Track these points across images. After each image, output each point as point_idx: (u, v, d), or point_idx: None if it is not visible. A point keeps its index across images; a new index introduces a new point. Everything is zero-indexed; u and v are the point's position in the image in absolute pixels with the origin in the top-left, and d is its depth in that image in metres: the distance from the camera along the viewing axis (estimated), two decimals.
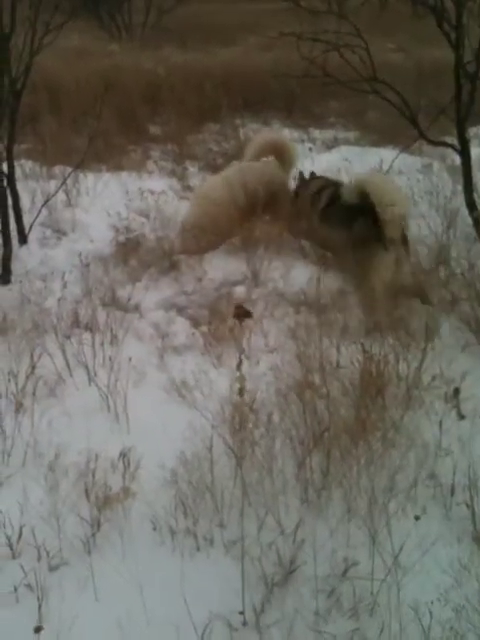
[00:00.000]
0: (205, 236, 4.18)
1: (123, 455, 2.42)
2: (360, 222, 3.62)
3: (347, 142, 6.98)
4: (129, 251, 4.28)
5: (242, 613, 1.94)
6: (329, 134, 7.37)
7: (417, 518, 2.13)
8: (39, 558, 2.16)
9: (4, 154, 4.19)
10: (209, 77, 8.21)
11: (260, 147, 4.71)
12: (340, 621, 1.98)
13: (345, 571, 2.09)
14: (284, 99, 8.00)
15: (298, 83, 6.89)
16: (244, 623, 1.94)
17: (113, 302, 3.72)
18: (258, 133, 4.72)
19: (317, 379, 2.75)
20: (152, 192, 5.19)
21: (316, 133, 7.41)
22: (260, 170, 4.54)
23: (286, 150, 4.70)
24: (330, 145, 6.91)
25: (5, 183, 4.15)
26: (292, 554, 2.12)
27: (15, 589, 2.05)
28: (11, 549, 2.18)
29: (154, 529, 2.26)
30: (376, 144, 6.72)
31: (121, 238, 4.49)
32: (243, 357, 1.99)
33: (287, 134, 7.37)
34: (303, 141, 7.09)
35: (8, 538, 2.18)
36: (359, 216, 3.63)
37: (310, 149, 6.64)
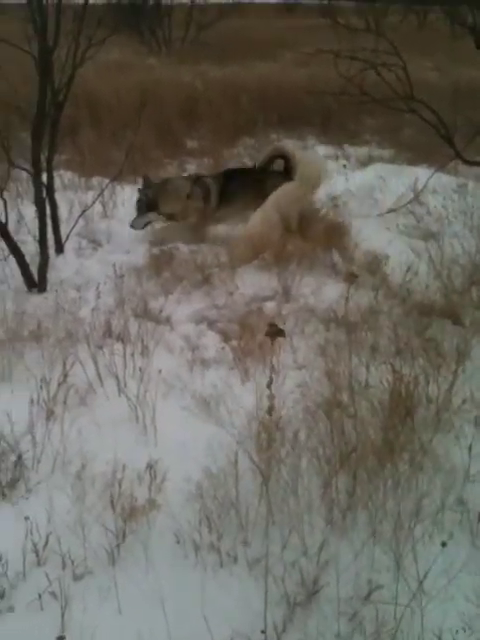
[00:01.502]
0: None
1: (150, 467, 2.43)
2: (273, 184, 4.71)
3: (382, 160, 6.97)
4: (162, 263, 4.33)
5: (264, 632, 1.93)
6: (364, 151, 7.37)
7: (444, 544, 2.10)
8: (64, 566, 2.17)
9: (44, 164, 4.26)
10: (245, 92, 8.29)
11: (269, 155, 4.84)
12: None
13: (368, 594, 2.07)
14: (320, 115, 8.04)
15: (334, 100, 6.92)
16: None
17: (145, 313, 3.75)
18: (268, 144, 4.90)
19: (345, 398, 2.74)
20: None
21: (351, 150, 7.42)
22: (293, 196, 4.64)
23: (293, 159, 4.79)
24: (364, 162, 6.91)
25: (44, 193, 4.23)
26: (315, 575, 2.11)
27: (39, 596, 2.06)
28: (37, 556, 2.19)
29: (178, 543, 2.26)
30: (411, 162, 6.71)
31: (155, 250, 4.54)
32: (272, 375, 1.98)
33: (321, 150, 7.42)
34: (337, 157, 7.10)
35: (34, 545, 2.19)
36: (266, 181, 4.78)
37: (344, 166, 6.64)
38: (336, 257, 4.33)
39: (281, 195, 4.60)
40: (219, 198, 4.91)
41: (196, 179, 4.99)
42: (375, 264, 4.22)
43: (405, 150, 7.26)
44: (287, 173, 4.84)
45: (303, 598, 2.07)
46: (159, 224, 4.94)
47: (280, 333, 2.08)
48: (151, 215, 4.87)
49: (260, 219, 4.49)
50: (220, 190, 4.92)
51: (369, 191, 5.75)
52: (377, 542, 2.23)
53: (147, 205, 4.85)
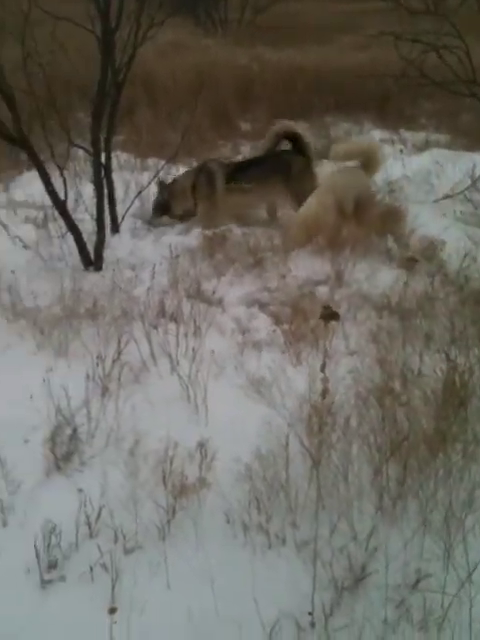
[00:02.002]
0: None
1: (200, 446, 2.45)
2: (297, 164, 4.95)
3: (438, 145, 6.84)
4: (215, 245, 4.35)
5: (311, 614, 1.94)
6: (420, 136, 7.23)
7: None
8: (115, 540, 2.21)
9: (103, 145, 4.31)
10: (302, 75, 8.20)
11: (344, 154, 4.76)
12: (409, 632, 1.95)
13: (416, 582, 2.06)
14: (376, 99, 7.90)
15: (393, 83, 6.79)
16: (312, 624, 1.94)
17: (198, 294, 3.77)
18: (338, 142, 4.91)
19: (397, 386, 2.71)
20: None
21: (407, 135, 7.29)
22: (349, 181, 4.62)
23: (370, 154, 4.71)
24: (421, 147, 6.78)
25: (103, 173, 4.27)
26: (364, 560, 2.11)
27: (91, 568, 2.11)
28: (89, 528, 2.24)
29: (227, 522, 2.28)
30: (468, 148, 6.57)
31: (208, 232, 4.56)
32: (326, 358, 1.97)
33: (377, 135, 7.31)
34: (393, 142, 6.99)
35: (88, 517, 2.24)
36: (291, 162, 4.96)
37: (401, 151, 6.53)
38: (391, 243, 4.28)
39: (338, 178, 4.55)
40: (242, 181, 4.91)
41: (200, 168, 5.05)
42: (431, 250, 4.15)
43: (462, 135, 7.10)
44: (300, 153, 4.94)
45: (351, 583, 2.07)
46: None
47: (334, 316, 2.06)
48: (165, 219, 4.97)
49: (315, 202, 4.46)
50: (232, 174, 4.95)
51: (425, 176, 5.66)
52: (427, 531, 2.21)
53: (161, 209, 4.96)
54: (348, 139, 5.61)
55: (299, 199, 4.71)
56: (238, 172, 4.96)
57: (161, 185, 4.99)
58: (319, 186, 4.62)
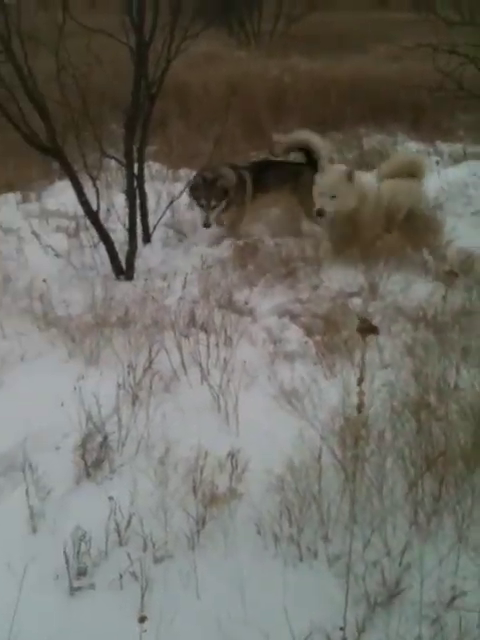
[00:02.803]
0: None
1: (231, 456, 2.44)
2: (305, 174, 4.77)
3: (476, 157, 6.74)
4: (247, 256, 4.34)
5: (342, 629, 1.90)
6: (457, 148, 7.13)
7: None
8: (145, 548, 2.20)
9: (136, 155, 4.33)
10: (335, 85, 8.19)
11: (395, 166, 4.75)
12: None
13: (452, 600, 2.01)
14: (411, 111, 7.85)
15: (429, 95, 6.74)
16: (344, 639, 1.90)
17: (229, 305, 3.76)
18: (395, 154, 4.87)
19: (433, 399, 2.66)
20: None
21: (443, 146, 7.20)
22: (405, 189, 4.60)
23: (420, 169, 4.70)
24: (457, 159, 6.70)
25: (135, 184, 4.30)
26: (397, 576, 2.06)
27: (120, 576, 2.10)
28: (119, 536, 2.23)
29: (258, 533, 2.25)
30: None
31: (240, 242, 4.55)
32: (363, 372, 1.93)
33: (412, 146, 7.24)
34: (429, 154, 6.91)
35: (117, 525, 2.23)
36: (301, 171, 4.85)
37: (437, 162, 6.46)
38: (426, 255, 4.22)
39: (392, 188, 4.51)
40: (254, 189, 4.85)
41: (233, 168, 4.89)
42: (468, 263, 4.08)
43: None
44: (312, 166, 4.82)
45: (384, 599, 2.02)
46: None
47: (373, 330, 2.01)
48: (222, 206, 4.76)
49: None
50: (253, 181, 4.87)
51: (462, 189, 5.60)
52: (463, 548, 2.16)
53: (221, 195, 4.69)
54: (393, 155, 5.54)
55: (307, 209, 4.61)
56: (260, 173, 4.90)
57: (230, 167, 4.82)
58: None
